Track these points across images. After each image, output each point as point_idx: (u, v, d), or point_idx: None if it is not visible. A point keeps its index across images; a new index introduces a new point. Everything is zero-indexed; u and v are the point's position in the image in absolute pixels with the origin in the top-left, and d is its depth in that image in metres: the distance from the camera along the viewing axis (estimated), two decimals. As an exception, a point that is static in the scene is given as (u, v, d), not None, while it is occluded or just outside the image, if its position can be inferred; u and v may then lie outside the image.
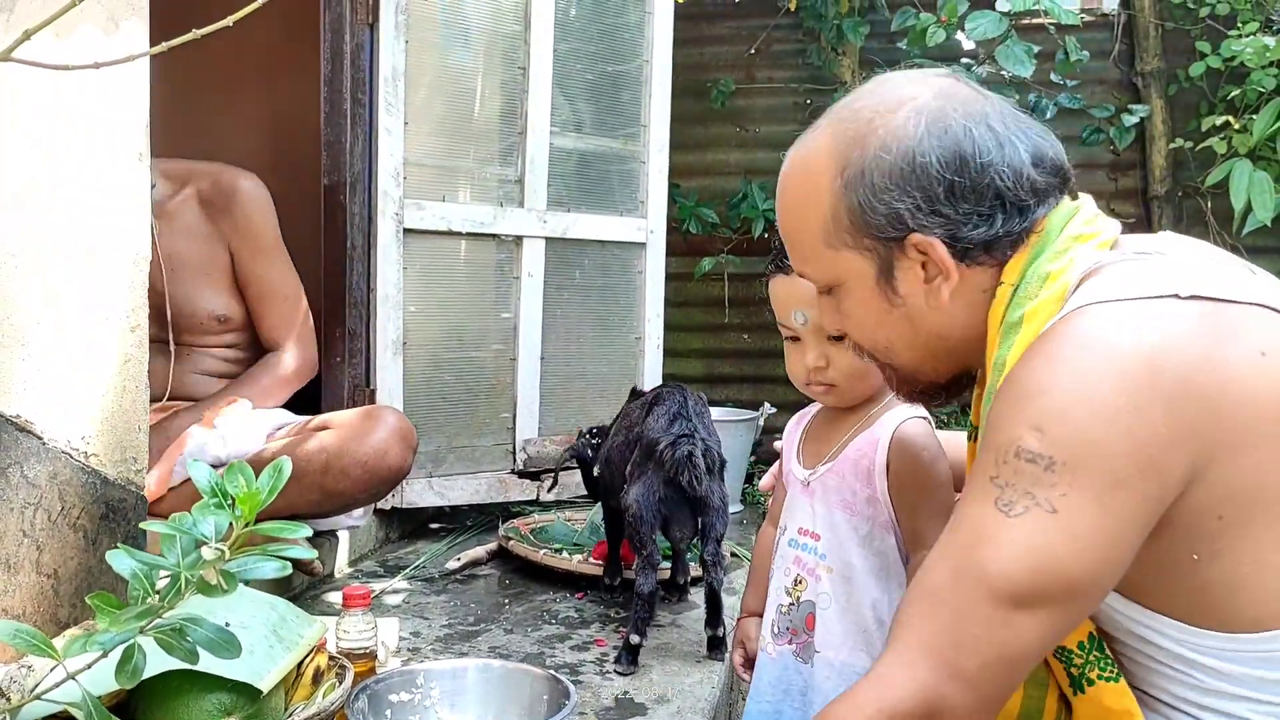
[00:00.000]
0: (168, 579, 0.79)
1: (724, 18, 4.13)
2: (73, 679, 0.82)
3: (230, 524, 0.78)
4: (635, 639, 1.79)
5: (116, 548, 0.81)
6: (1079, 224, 1.00)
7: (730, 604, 2.18)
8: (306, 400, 2.52)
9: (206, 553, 0.77)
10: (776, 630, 1.44)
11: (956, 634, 0.87)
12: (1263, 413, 0.85)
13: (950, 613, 0.88)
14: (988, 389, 0.98)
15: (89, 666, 0.81)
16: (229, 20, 0.92)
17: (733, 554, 2.58)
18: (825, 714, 0.92)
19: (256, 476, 0.86)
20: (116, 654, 0.81)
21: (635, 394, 2.17)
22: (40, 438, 1.34)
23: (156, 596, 0.78)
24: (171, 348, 2.30)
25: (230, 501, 0.77)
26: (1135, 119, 3.70)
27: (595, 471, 2.19)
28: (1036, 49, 3.55)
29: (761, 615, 1.50)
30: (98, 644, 0.76)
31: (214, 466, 0.92)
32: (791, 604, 1.42)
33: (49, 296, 1.35)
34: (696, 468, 1.74)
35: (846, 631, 1.36)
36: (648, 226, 2.99)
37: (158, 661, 0.88)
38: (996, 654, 0.86)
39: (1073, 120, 3.77)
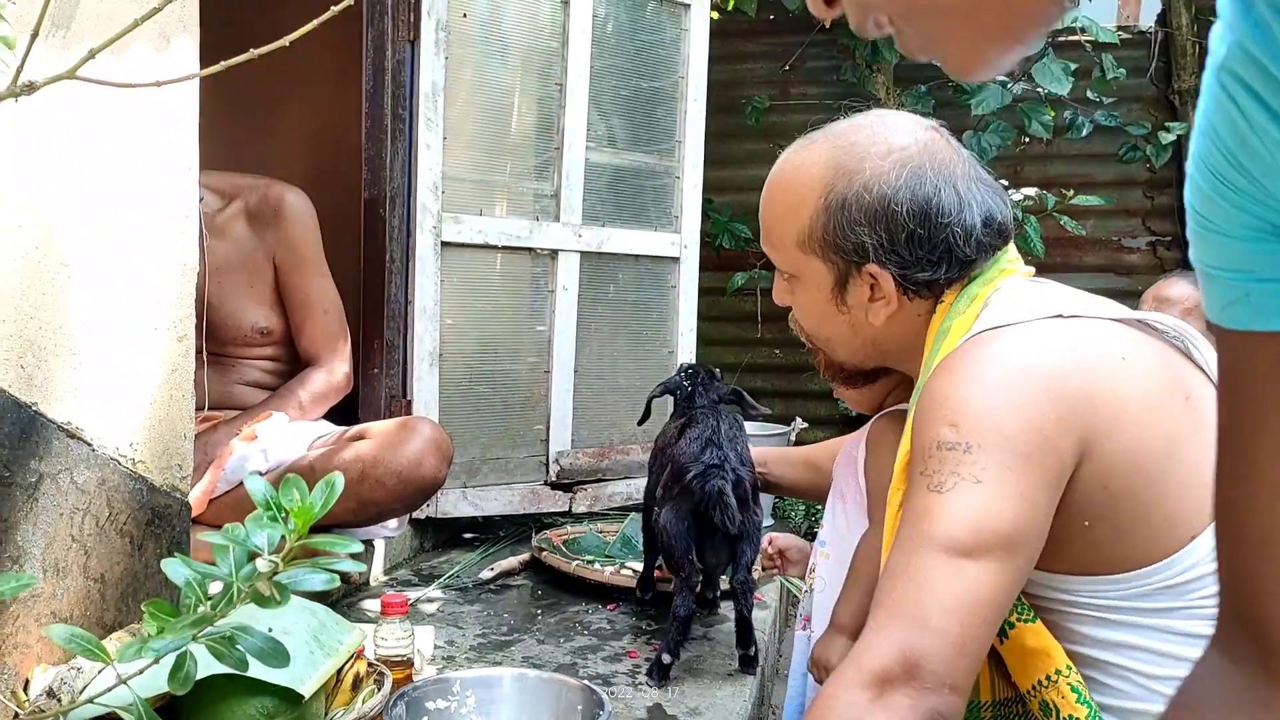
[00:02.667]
0: (220, 588, 0.81)
1: (759, 35, 4.15)
2: (124, 684, 0.84)
3: (283, 536, 0.80)
4: (667, 658, 1.79)
5: (170, 555, 0.83)
6: (1004, 260, 1.23)
7: (760, 619, 2.19)
8: (344, 410, 2.55)
9: (260, 564, 0.79)
10: (801, 614, 1.56)
11: (918, 593, 0.97)
12: (1127, 402, 1.04)
13: (909, 579, 0.99)
14: (918, 385, 1.16)
15: (141, 671, 0.83)
16: (285, 40, 0.94)
17: (764, 569, 2.57)
18: (820, 693, 1.00)
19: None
20: (167, 660, 0.83)
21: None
22: (89, 444, 1.37)
23: (208, 605, 0.80)
24: (213, 358, 2.34)
25: (284, 514, 0.79)
26: (1172, 136, 3.67)
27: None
28: (1073, 66, 3.54)
29: (852, 633, 1.36)
30: (152, 650, 0.78)
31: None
32: (808, 590, 1.53)
33: (100, 306, 1.39)
34: (729, 507, 1.66)
35: None
36: (681, 241, 3.00)
37: (203, 666, 0.90)
38: (956, 601, 0.96)
39: (1109, 138, 3.76)
